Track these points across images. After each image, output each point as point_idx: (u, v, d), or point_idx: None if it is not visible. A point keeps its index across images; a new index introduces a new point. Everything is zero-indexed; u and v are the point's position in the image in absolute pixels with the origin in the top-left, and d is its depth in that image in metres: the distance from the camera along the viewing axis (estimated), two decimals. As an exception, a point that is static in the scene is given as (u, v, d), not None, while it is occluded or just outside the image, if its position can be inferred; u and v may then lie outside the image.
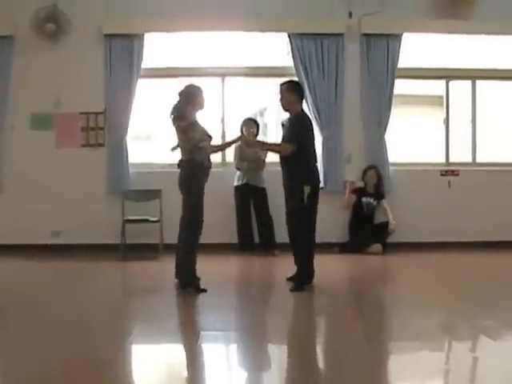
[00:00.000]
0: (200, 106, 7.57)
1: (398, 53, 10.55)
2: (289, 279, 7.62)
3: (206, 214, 9.63)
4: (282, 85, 7.68)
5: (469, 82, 11.11)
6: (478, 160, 11.07)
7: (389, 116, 10.59)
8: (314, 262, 7.56)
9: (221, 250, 9.89)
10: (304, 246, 7.47)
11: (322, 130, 10.46)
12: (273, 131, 12.50)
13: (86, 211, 10.24)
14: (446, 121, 11.09)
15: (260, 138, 10.31)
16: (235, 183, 10.21)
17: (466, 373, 4.55)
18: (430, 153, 11.64)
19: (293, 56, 10.47)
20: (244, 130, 10.12)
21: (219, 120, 10.82)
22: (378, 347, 5.19)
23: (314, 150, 7.70)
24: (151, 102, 10.75)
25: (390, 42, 10.52)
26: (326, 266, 8.46)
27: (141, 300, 7.18)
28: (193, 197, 7.49)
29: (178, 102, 7.50)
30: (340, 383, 4.42)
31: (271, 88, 11.63)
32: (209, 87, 10.84)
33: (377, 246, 10.14)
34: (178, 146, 7.52)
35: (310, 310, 6.86)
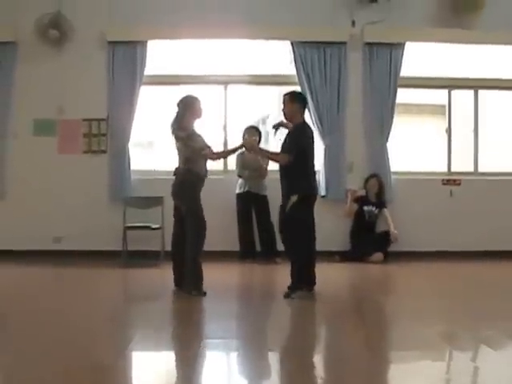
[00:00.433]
0: (198, 115, 7.66)
1: (401, 62, 10.56)
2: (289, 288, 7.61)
3: (208, 222, 9.62)
4: (285, 95, 7.70)
5: (471, 92, 11.12)
6: (480, 169, 11.07)
7: (391, 125, 10.60)
8: (315, 269, 7.55)
9: (222, 258, 9.88)
10: (302, 255, 7.46)
11: (323, 138, 10.47)
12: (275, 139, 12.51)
13: (88, 217, 10.25)
14: (448, 130, 11.09)
15: (262, 146, 10.31)
16: (237, 191, 10.21)
17: (467, 383, 4.54)
18: (432, 162, 11.64)
19: (295, 64, 10.48)
20: (246, 138, 10.12)
21: (221, 128, 10.83)
22: (379, 356, 5.18)
23: (313, 161, 7.69)
24: (154, 109, 10.77)
25: (392, 50, 10.53)
26: (327, 275, 8.45)
27: (142, 307, 7.17)
28: (192, 203, 7.59)
29: (177, 112, 7.60)
30: (341, 392, 4.42)
31: (274, 96, 11.67)
32: (211, 95, 10.90)
33: (378, 255, 10.13)
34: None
35: (310, 318, 6.84)
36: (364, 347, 5.45)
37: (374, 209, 10.43)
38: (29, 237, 10.22)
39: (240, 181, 10.20)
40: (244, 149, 8.38)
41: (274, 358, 5.13)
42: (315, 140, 7.81)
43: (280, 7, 10.39)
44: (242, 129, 10.31)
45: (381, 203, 10.46)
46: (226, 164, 10.74)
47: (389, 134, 10.60)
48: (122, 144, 10.38)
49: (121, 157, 10.37)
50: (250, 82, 10.98)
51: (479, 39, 10.55)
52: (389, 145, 10.62)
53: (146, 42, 10.42)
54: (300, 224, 7.41)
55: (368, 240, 10.25)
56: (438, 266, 9.85)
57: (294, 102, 7.61)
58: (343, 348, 5.49)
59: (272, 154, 8.08)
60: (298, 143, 7.48)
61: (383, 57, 10.56)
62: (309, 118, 10.49)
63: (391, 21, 10.29)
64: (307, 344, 5.71)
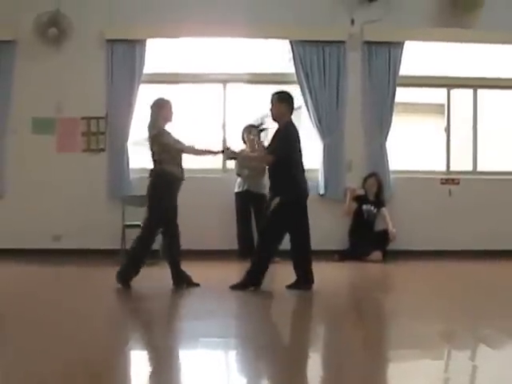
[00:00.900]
0: (169, 117, 7.74)
1: (400, 61, 10.57)
2: (288, 287, 7.62)
3: (207, 221, 9.67)
4: (273, 94, 7.69)
5: (470, 91, 11.12)
6: (479, 169, 11.08)
7: (390, 124, 10.61)
8: (312, 268, 7.57)
9: (221, 257, 9.90)
10: (265, 257, 7.51)
11: (322, 137, 10.47)
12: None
13: (87, 216, 10.25)
14: (447, 129, 11.10)
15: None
16: (236, 189, 10.21)
17: (466, 381, 4.53)
18: (431, 161, 11.65)
19: (294, 63, 10.49)
20: (245, 137, 10.13)
21: (220, 126, 10.83)
22: (378, 355, 5.18)
23: (301, 162, 7.68)
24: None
25: (391, 49, 10.54)
26: (325, 274, 8.45)
27: (140, 306, 7.17)
28: (154, 203, 7.68)
29: (150, 114, 7.72)
30: (339, 391, 4.42)
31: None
32: (210, 93, 10.90)
33: (377, 254, 10.14)
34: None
35: (309, 317, 6.84)
36: (363, 346, 5.45)
37: (372, 208, 10.44)
38: (28, 235, 10.22)
39: (239, 180, 10.20)
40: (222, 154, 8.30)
41: (272, 357, 5.12)
42: (305, 139, 7.80)
43: (279, 6, 10.39)
44: (241, 127, 10.31)
45: (379, 202, 10.47)
46: (224, 163, 10.73)
47: (388, 133, 10.61)
48: (120, 142, 10.38)
49: (120, 155, 10.38)
50: (249, 81, 10.98)
51: (478, 38, 10.57)
52: (388, 144, 10.63)
53: (145, 40, 10.43)
54: (275, 228, 7.43)
55: (367, 239, 10.26)
56: (437, 264, 9.86)
57: (282, 103, 7.60)
58: (342, 347, 5.49)
59: (255, 157, 8.06)
60: (283, 145, 7.49)
61: (382, 56, 10.56)
62: (307, 116, 10.53)
63: (390, 20, 10.30)
64: (306, 343, 5.71)
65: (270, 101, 7.67)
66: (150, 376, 4.57)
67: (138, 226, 9.68)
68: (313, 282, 7.57)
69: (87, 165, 10.42)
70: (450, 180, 10.83)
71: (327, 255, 9.89)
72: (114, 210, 10.08)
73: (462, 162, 11.28)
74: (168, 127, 7.74)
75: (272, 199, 7.53)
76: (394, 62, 10.56)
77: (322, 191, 10.47)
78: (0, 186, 10.38)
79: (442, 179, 10.83)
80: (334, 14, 10.42)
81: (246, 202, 10.14)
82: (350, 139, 10.57)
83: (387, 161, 10.61)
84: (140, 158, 10.85)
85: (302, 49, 10.47)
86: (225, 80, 10.86)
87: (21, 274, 8.91)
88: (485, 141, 11.33)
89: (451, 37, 10.58)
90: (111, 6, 10.31)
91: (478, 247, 10.45)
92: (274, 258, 8.74)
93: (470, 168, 11.09)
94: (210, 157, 8.35)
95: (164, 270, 7.89)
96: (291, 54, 10.53)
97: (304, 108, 10.66)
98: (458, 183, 10.80)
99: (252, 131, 10.09)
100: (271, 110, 7.65)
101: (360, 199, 10.47)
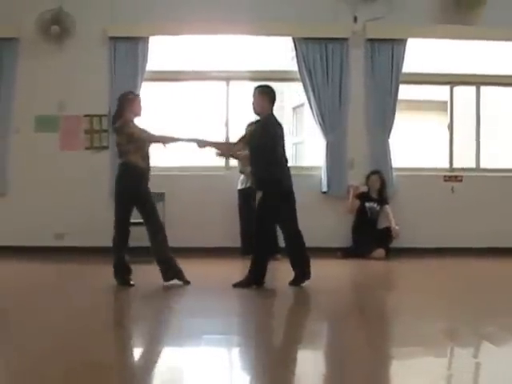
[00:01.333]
0: (137, 112, 7.73)
1: (403, 58, 10.56)
2: (291, 283, 7.63)
3: (210, 218, 9.66)
4: (255, 88, 7.74)
5: (473, 88, 11.10)
6: (482, 166, 11.07)
7: (393, 121, 10.60)
8: (310, 265, 7.59)
9: (224, 254, 9.90)
10: (261, 251, 7.52)
11: (325, 134, 10.47)
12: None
13: (90, 214, 10.25)
14: (450, 126, 11.08)
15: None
16: (239, 187, 10.21)
17: (469, 379, 4.53)
18: (434, 158, 11.65)
19: (297, 60, 10.48)
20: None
21: (223, 124, 10.83)
22: (381, 352, 5.18)
23: (283, 156, 7.68)
24: (155, 105, 10.77)
25: (394, 47, 10.53)
26: (328, 271, 8.46)
27: (142, 303, 7.17)
28: (118, 208, 7.79)
29: (117, 106, 7.77)
30: (342, 388, 4.42)
31: (275, 92, 11.65)
32: (213, 91, 10.91)
33: (380, 251, 10.14)
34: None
35: (312, 314, 6.84)
36: (366, 343, 5.45)
37: (375, 205, 10.44)
38: (31, 233, 10.24)
39: (242, 177, 10.20)
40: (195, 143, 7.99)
41: (275, 354, 5.12)
42: (285, 134, 7.78)
43: (282, 3, 10.39)
44: (243, 125, 10.30)
45: (382, 200, 10.46)
46: (227, 160, 10.73)
47: (391, 130, 10.60)
48: (123, 140, 10.38)
49: (122, 153, 10.37)
50: (251, 78, 10.95)
51: (481, 35, 10.55)
52: (391, 141, 10.62)
53: (148, 38, 10.42)
54: (264, 221, 7.45)
55: (370, 236, 10.26)
56: (440, 262, 9.86)
57: (263, 96, 7.65)
58: (345, 344, 5.49)
59: (225, 144, 8.06)
60: (259, 134, 7.55)
61: (385, 53, 10.55)
62: (310, 113, 10.53)
63: (393, 17, 10.29)
64: (309, 340, 5.71)
65: (252, 95, 7.72)
66: (153, 374, 4.57)
67: (141, 223, 9.71)
68: (309, 274, 7.59)
69: (90, 162, 10.42)
70: (452, 177, 10.81)
71: (330, 252, 9.90)
72: (117, 207, 10.07)
73: (464, 159, 11.28)
74: (136, 121, 7.73)
75: (254, 193, 7.58)
76: (397, 60, 10.55)
77: (324, 189, 10.46)
78: (3, 184, 10.39)
79: (444, 176, 10.82)
80: (336, 12, 10.41)
81: (249, 199, 10.12)
82: (352, 136, 10.56)
83: (390, 158, 10.60)
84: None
85: (304, 46, 10.46)
86: (228, 77, 10.85)
87: (23, 272, 8.91)
88: (488, 138, 11.32)
89: (454, 34, 10.56)
90: (114, 3, 10.31)
91: (481, 244, 10.43)
92: (273, 254, 8.78)
93: (473, 165, 11.08)
94: (182, 144, 8.10)
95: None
96: (294, 52, 10.53)
97: (307, 105, 10.67)
98: (460, 180, 10.79)
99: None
100: (253, 103, 7.69)
101: (363, 196, 10.47)
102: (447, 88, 11.15)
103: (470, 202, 10.63)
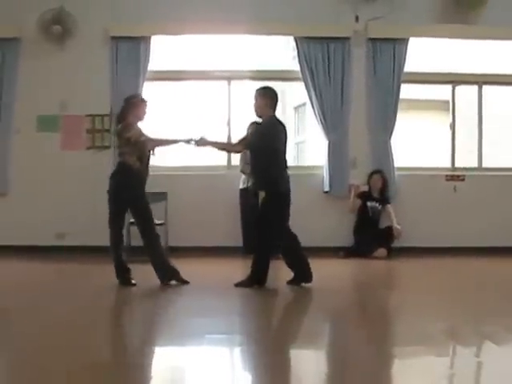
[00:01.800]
0: (140, 117, 7.71)
1: (405, 57, 10.56)
2: (289, 282, 7.63)
3: (212, 217, 9.66)
4: (256, 90, 7.70)
5: (475, 87, 11.09)
6: (484, 165, 11.06)
7: (394, 120, 10.59)
8: (309, 265, 7.57)
9: (226, 253, 9.90)
10: (262, 250, 7.51)
11: (327, 134, 10.46)
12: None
13: (91, 213, 10.22)
14: (452, 125, 11.08)
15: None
16: (240, 186, 10.21)
17: (471, 378, 4.53)
18: (436, 157, 11.64)
19: (299, 60, 10.48)
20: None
21: (225, 123, 10.83)
22: (382, 352, 5.18)
23: (283, 156, 7.64)
24: (157, 105, 10.76)
25: (396, 46, 10.52)
26: (330, 270, 8.46)
27: (143, 303, 7.17)
28: (109, 205, 7.80)
29: (121, 107, 7.75)
30: (344, 387, 4.42)
31: (277, 92, 11.64)
32: (215, 90, 10.91)
33: (382, 251, 10.13)
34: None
35: (313, 313, 6.84)
36: (367, 342, 5.45)
37: (377, 205, 10.43)
38: (32, 232, 10.24)
39: (243, 176, 10.20)
40: (193, 143, 7.93)
41: (277, 353, 5.12)
42: (287, 136, 7.74)
43: (284, 3, 10.39)
44: (245, 124, 10.30)
45: (384, 199, 10.46)
46: (229, 160, 10.74)
47: (392, 129, 10.60)
48: (125, 140, 10.38)
49: (124, 152, 10.37)
50: (253, 78, 10.97)
51: (483, 34, 10.54)
52: (392, 140, 10.61)
53: (150, 37, 10.42)
54: (268, 223, 7.43)
55: (371, 236, 10.25)
56: (442, 261, 9.85)
57: (264, 98, 7.60)
58: (347, 343, 5.49)
59: (225, 144, 8.05)
60: (258, 138, 7.52)
61: (387, 52, 10.55)
62: (312, 113, 10.53)
63: (395, 16, 10.28)
64: (310, 339, 5.71)
65: (253, 97, 7.68)
66: (155, 373, 4.57)
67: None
68: (311, 278, 7.57)
69: (92, 162, 10.42)
70: (455, 176, 10.81)
71: (332, 252, 9.90)
72: (119, 207, 10.07)
73: (467, 159, 11.27)
74: (139, 125, 7.72)
75: (255, 193, 7.55)
76: (399, 59, 10.54)
77: (326, 188, 10.46)
78: (4, 184, 10.39)
79: (447, 176, 10.81)
80: (338, 11, 10.40)
81: (251, 198, 10.13)
82: (354, 136, 10.55)
83: (392, 157, 10.59)
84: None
85: (306, 45, 10.46)
86: (229, 77, 10.85)
87: (24, 272, 8.92)
88: (490, 137, 11.30)
89: (456, 33, 10.55)
90: (115, 3, 10.32)
91: (483, 244, 10.42)
92: (275, 253, 8.76)
93: (475, 164, 11.08)
94: (182, 145, 8.02)
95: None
96: (296, 51, 10.52)
97: (308, 105, 10.67)
98: (463, 180, 10.78)
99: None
100: (254, 105, 7.65)
101: (364, 196, 10.46)
102: (449, 87, 11.14)
103: (473, 201, 10.63)
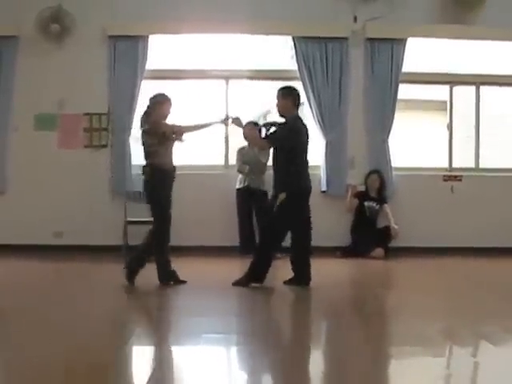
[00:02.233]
0: (165, 116, 7.72)
1: (402, 57, 10.55)
2: (286, 282, 7.63)
3: (208, 217, 9.65)
4: (279, 90, 7.73)
5: (473, 88, 11.10)
6: (481, 165, 11.06)
7: (392, 120, 10.59)
8: (310, 269, 7.58)
9: (222, 253, 9.90)
10: (266, 253, 7.52)
11: (325, 133, 10.46)
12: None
13: (89, 212, 10.24)
14: (450, 126, 11.08)
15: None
16: (237, 186, 10.21)
17: (468, 378, 4.54)
18: (433, 158, 11.63)
19: (297, 59, 10.47)
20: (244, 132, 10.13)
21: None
22: (379, 352, 5.19)
23: (305, 157, 7.69)
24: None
25: (394, 46, 10.52)
26: (327, 270, 8.47)
27: (141, 302, 7.18)
28: (156, 207, 7.66)
29: (147, 107, 7.74)
30: (341, 387, 4.42)
31: (275, 91, 11.64)
32: (212, 90, 10.90)
33: (379, 251, 10.14)
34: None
35: (310, 313, 6.85)
36: (364, 342, 5.46)
37: (374, 204, 10.44)
38: (29, 231, 10.23)
39: (240, 176, 10.20)
40: (226, 121, 8.09)
41: (274, 353, 5.12)
42: (310, 135, 7.80)
43: (282, 2, 10.38)
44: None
45: (382, 199, 10.46)
46: (226, 159, 10.75)
47: (390, 129, 10.59)
48: (123, 138, 10.38)
49: (122, 151, 10.38)
50: (251, 77, 10.97)
51: (481, 35, 10.53)
52: (390, 140, 10.61)
53: (148, 36, 10.41)
54: (284, 221, 7.43)
55: (369, 235, 10.26)
56: (439, 261, 9.85)
57: (288, 98, 7.64)
58: (344, 343, 5.50)
59: (252, 136, 8.04)
60: (283, 135, 7.53)
61: (385, 53, 10.54)
62: (310, 113, 10.52)
63: (393, 16, 10.27)
64: (307, 339, 5.71)
65: (275, 96, 7.71)
66: (152, 373, 4.57)
67: (140, 222, 9.71)
68: (310, 279, 7.58)
69: (89, 161, 10.41)
70: (452, 177, 10.81)
71: (329, 252, 9.90)
72: (116, 206, 10.08)
73: (464, 159, 11.27)
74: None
75: (276, 196, 7.53)
76: (397, 59, 10.54)
77: (324, 188, 10.46)
78: (2, 182, 10.38)
79: (444, 176, 10.81)
80: (336, 11, 10.39)
81: (248, 198, 10.14)
82: (352, 136, 10.55)
83: (389, 157, 10.59)
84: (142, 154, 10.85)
85: (304, 45, 10.45)
86: (227, 76, 10.84)
87: (21, 270, 8.90)
88: (487, 138, 11.31)
89: (454, 33, 10.55)
90: (113, 1, 10.31)
91: (481, 244, 10.42)
92: (276, 253, 8.76)
93: (472, 165, 11.08)
94: (216, 127, 8.19)
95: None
96: (293, 51, 10.52)
97: (306, 104, 10.64)
98: (460, 180, 10.79)
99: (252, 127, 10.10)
100: (277, 105, 7.69)
101: (361, 196, 10.46)
102: (447, 88, 11.14)
103: (470, 201, 10.63)
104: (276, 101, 7.69)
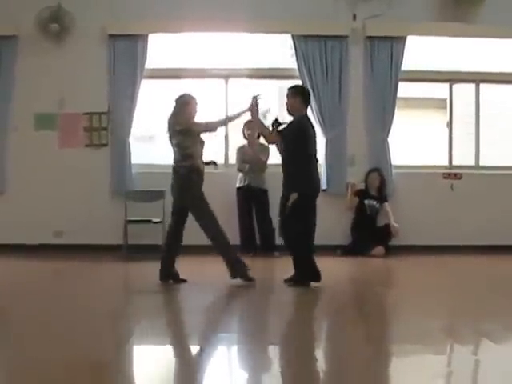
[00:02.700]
0: (192, 114, 7.72)
1: (402, 55, 10.55)
2: (286, 280, 7.63)
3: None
4: (288, 89, 7.77)
5: (472, 86, 11.10)
6: (481, 163, 11.06)
7: (392, 119, 10.59)
8: (316, 264, 7.57)
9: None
10: (302, 250, 7.50)
11: (325, 132, 10.46)
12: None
13: (89, 211, 10.25)
14: (450, 124, 11.08)
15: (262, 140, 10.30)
16: (237, 185, 10.21)
17: (469, 376, 4.54)
18: (433, 156, 11.63)
19: (297, 58, 10.47)
20: (245, 132, 10.14)
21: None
22: (380, 350, 5.18)
23: (314, 157, 7.70)
24: (155, 103, 10.75)
25: (394, 44, 10.52)
26: (328, 269, 8.44)
27: (142, 301, 7.17)
28: (197, 208, 7.76)
29: (174, 108, 7.73)
30: (342, 386, 4.42)
31: (274, 90, 11.63)
32: (212, 88, 10.89)
33: (379, 249, 10.14)
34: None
35: (311, 311, 6.84)
36: (365, 341, 5.46)
37: (375, 203, 10.44)
38: (29, 231, 10.23)
39: (240, 175, 10.20)
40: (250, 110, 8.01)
41: (275, 352, 5.13)
42: (317, 134, 7.84)
43: (281, 1, 10.38)
44: (242, 122, 10.29)
45: (382, 197, 10.46)
46: (226, 158, 10.75)
47: (390, 127, 10.59)
48: (122, 138, 10.38)
49: (122, 150, 10.38)
50: (250, 76, 10.96)
51: (481, 33, 10.53)
52: (390, 139, 10.61)
53: (147, 35, 10.41)
54: (300, 221, 7.43)
55: (369, 234, 10.26)
56: (439, 259, 9.86)
57: (297, 97, 7.67)
58: (345, 341, 5.49)
59: (266, 128, 8.05)
60: (295, 135, 7.52)
61: (384, 51, 10.54)
62: (310, 111, 10.50)
63: (392, 14, 10.27)
64: (308, 337, 5.71)
65: (285, 95, 7.76)
66: (153, 372, 4.57)
67: (140, 221, 9.74)
68: (312, 278, 7.57)
69: (89, 160, 10.41)
70: (452, 175, 10.81)
71: (330, 250, 9.90)
72: (116, 205, 10.08)
73: (464, 157, 11.27)
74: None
75: (286, 197, 7.52)
76: (397, 57, 10.54)
77: (324, 186, 10.45)
78: (2, 182, 10.38)
79: (444, 174, 10.81)
80: (336, 9, 10.39)
81: (248, 197, 10.15)
82: (352, 134, 10.55)
83: (389, 156, 10.60)
84: (142, 153, 10.86)
85: (303, 44, 10.45)
86: (227, 75, 10.85)
87: (21, 270, 8.91)
88: (487, 135, 11.31)
89: (453, 31, 10.54)
90: (113, 1, 10.30)
91: (481, 242, 10.43)
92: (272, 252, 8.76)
93: (472, 163, 11.08)
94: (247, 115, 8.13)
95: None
96: (293, 49, 10.51)
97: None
98: (460, 178, 10.79)
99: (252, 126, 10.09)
100: (286, 104, 7.73)
101: (362, 194, 10.46)
102: (446, 85, 11.14)
103: (470, 199, 10.63)
104: (286, 99, 7.75)
